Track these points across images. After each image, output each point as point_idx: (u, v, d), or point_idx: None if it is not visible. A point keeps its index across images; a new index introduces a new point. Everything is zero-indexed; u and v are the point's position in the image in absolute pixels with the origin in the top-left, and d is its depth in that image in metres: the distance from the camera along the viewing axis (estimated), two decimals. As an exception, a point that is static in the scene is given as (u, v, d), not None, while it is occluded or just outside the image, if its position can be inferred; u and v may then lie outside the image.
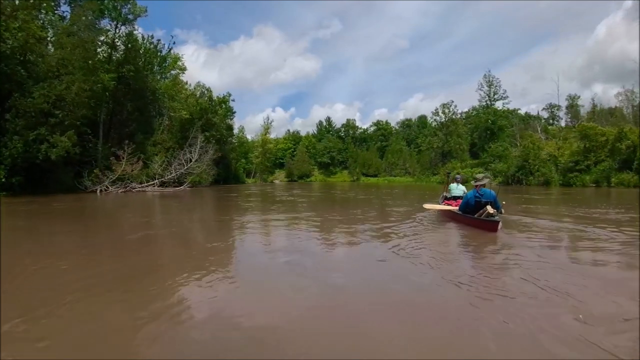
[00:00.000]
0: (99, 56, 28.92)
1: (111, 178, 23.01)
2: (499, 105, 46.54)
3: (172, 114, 34.22)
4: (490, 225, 6.60)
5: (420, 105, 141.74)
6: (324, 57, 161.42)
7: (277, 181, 76.37)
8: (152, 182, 25.12)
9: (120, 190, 22.90)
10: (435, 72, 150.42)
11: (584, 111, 55.88)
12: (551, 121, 68.03)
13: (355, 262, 5.05)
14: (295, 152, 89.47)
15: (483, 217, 6.86)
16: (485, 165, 43.15)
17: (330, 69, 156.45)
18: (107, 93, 30.57)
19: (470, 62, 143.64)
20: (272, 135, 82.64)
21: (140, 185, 24.56)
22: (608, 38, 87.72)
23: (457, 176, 10.59)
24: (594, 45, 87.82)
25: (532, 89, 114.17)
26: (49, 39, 26.09)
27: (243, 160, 73.34)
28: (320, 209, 13.84)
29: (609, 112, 53.81)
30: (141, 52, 38.46)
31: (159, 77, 40.74)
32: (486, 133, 46.15)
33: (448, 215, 8.77)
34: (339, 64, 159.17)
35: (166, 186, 26.48)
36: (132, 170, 23.63)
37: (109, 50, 32.23)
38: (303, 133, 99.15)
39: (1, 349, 2.28)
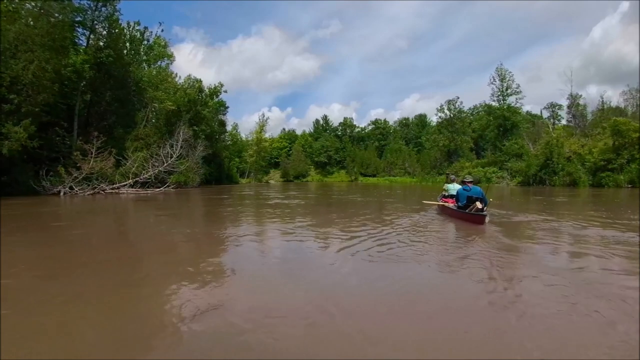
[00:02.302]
0: (70, 35, 24.87)
1: (77, 178, 19.05)
2: (511, 100, 43.16)
3: (155, 105, 30.11)
4: (478, 219, 7.62)
5: (417, 105, 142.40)
6: (322, 57, 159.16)
7: (272, 181, 73.09)
8: (125, 183, 21.08)
9: (88, 193, 19.01)
10: (431, 73, 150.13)
11: (587, 110, 54.12)
12: (552, 120, 66.00)
13: (354, 265, 4.70)
14: (290, 152, 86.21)
15: (473, 211, 7.85)
16: (499, 164, 39.92)
17: (327, 69, 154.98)
18: (83, 81, 27.19)
19: (466, 63, 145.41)
20: (268, 135, 79.05)
21: (110, 187, 20.57)
22: (603, 40, 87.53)
23: (454, 176, 12.15)
24: (590, 47, 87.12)
25: (528, 89, 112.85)
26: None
27: (237, 159, 69.79)
28: (319, 214, 12.11)
29: (618, 111, 52.12)
30: (126, 38, 34.91)
31: (145, 66, 36.99)
32: (499, 130, 42.88)
33: (444, 211, 9.89)
34: (336, 64, 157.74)
35: (148, 187, 22.74)
36: (102, 168, 19.68)
37: (87, 33, 28.53)
38: (299, 132, 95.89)
39: (1, 349, 2.30)
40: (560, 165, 31.76)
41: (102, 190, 19.63)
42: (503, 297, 3.34)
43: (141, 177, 22.03)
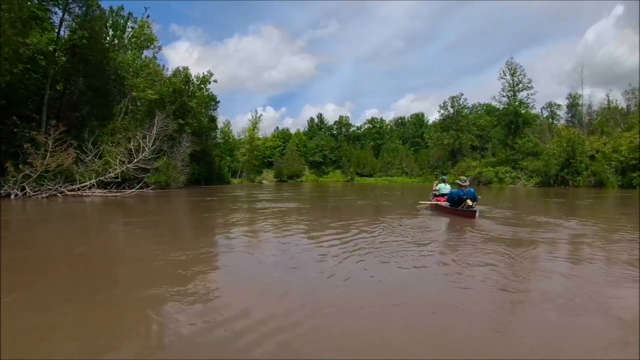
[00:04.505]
0: (32, 8, 21.29)
1: (31, 176, 15.42)
2: (522, 96, 40.42)
3: (134, 94, 26.39)
4: (470, 214, 8.67)
5: (411, 105, 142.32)
6: (318, 57, 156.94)
7: (265, 181, 69.89)
8: (86, 183, 17.11)
9: (43, 195, 15.38)
10: (425, 74, 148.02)
11: (585, 110, 52.60)
12: (551, 120, 64.54)
13: (354, 265, 4.42)
14: (284, 151, 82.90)
15: (464, 208, 8.92)
16: (512, 163, 37.16)
17: (323, 69, 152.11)
18: (54, 66, 23.76)
19: (461, 64, 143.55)
20: (261, 134, 75.76)
21: (69, 189, 16.77)
22: (596, 43, 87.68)
23: (444, 177, 13.40)
24: (584, 50, 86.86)
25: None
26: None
27: (228, 158, 66.27)
28: (317, 219, 10.19)
29: (624, 111, 51.08)
30: (108, 24, 31.39)
31: (129, 54, 33.38)
32: (509, 127, 40.16)
33: (439, 209, 10.56)
34: (331, 65, 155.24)
35: (123, 188, 19.24)
36: (59, 165, 15.99)
37: (61, 14, 25.02)
38: (293, 132, 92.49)
39: (1, 349, 2.22)
40: (583, 165, 29.10)
41: (59, 193, 15.94)
42: (504, 298, 3.27)
43: (105, 177, 18.15)
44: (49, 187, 15.45)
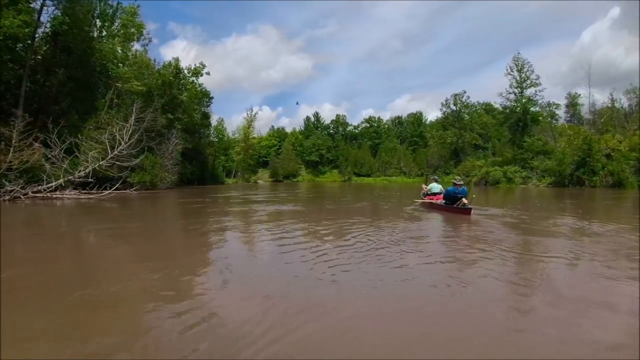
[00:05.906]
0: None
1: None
2: (530, 92, 38.81)
3: (119, 85, 24.16)
4: (466, 211, 9.24)
5: (408, 106, 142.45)
6: (315, 57, 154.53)
7: (260, 181, 67.93)
8: (52, 184, 14.67)
9: (5, 198, 13.06)
10: (422, 74, 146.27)
11: (587, 109, 51.76)
12: (550, 119, 63.67)
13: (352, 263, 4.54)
14: (280, 150, 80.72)
15: (460, 206, 9.58)
16: (522, 162, 35.56)
17: (319, 69, 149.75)
18: (32, 55, 21.79)
19: (457, 64, 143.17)
20: (257, 133, 73.67)
21: (33, 191, 14.39)
22: (593, 45, 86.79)
23: (436, 177, 15.01)
24: (579, 51, 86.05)
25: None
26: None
27: (222, 158, 64.16)
28: (315, 225, 9.05)
29: (625, 111, 50.45)
30: (94, 13, 29.27)
31: (116, 40, 31.12)
32: (517, 125, 38.58)
33: (434, 207, 11.19)
34: (328, 65, 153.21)
35: (104, 188, 17.03)
36: (23, 162, 13.72)
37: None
38: (289, 131, 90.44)
39: (1, 349, 2.18)
40: (600, 164, 27.54)
41: (23, 195, 13.64)
42: (505, 298, 3.32)
43: (75, 176, 15.85)
44: (9, 188, 13.18)
